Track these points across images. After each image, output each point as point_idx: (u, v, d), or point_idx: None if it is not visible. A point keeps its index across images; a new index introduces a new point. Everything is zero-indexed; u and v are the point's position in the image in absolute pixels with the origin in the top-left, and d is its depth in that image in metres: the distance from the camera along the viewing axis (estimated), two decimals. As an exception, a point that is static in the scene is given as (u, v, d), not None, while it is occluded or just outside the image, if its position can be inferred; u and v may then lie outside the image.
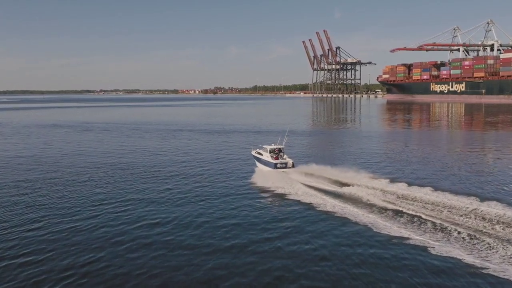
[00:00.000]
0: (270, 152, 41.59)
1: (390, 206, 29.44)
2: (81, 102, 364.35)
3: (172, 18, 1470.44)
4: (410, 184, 35.37)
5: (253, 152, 45.16)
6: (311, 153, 57.11)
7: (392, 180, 36.64)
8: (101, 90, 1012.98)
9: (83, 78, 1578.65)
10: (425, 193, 32.02)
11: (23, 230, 26.39)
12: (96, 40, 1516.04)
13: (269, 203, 32.28)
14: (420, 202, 30.22)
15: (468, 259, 21.09)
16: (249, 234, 25.51)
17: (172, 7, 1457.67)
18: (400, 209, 28.74)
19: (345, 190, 33.51)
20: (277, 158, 41.00)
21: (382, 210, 28.61)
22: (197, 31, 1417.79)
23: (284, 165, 40.32)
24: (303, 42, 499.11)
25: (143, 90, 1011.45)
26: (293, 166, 40.50)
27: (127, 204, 31.84)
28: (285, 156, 41.70)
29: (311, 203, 30.77)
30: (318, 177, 37.44)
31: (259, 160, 43.40)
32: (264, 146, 43.20)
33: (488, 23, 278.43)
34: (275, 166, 40.21)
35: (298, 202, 31.45)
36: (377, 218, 27.11)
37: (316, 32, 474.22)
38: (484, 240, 23.10)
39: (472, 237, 23.59)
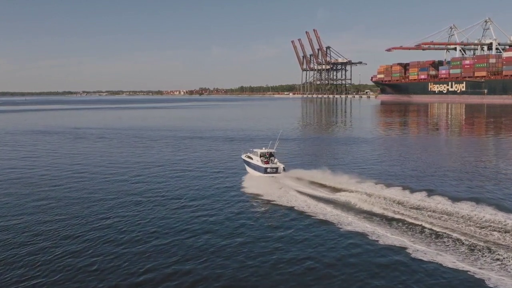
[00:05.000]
0: (260, 156, 40.28)
1: (380, 211, 28.68)
2: (65, 104, 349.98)
3: (154, 18, 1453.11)
4: (404, 188, 33.56)
5: (243, 156, 43.73)
6: (303, 158, 54.57)
7: (388, 186, 34.31)
8: (83, 92, 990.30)
9: (64, 79, 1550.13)
10: (421, 199, 30.45)
11: None
12: (77, 41, 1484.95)
13: (258, 208, 31.11)
14: (417, 209, 28.88)
15: (446, 257, 21.34)
16: (235, 239, 24.80)
17: (155, 8, 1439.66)
18: (390, 214, 27.98)
19: (336, 195, 32.53)
20: (267, 163, 39.76)
21: (371, 216, 27.87)
22: (180, 32, 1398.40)
23: (274, 169, 39.02)
24: (292, 41, 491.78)
25: (127, 91, 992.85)
26: (284, 170, 39.12)
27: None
28: (275, 161, 40.38)
29: (301, 209, 29.75)
30: (309, 182, 36.36)
31: (249, 164, 42.01)
32: (255, 150, 41.89)
33: (486, 21, 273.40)
34: (265, 170, 38.83)
35: (288, 208, 30.31)
36: (366, 223, 26.55)
37: (306, 32, 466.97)
38: (480, 245, 22.56)
39: (472, 245, 22.65)
